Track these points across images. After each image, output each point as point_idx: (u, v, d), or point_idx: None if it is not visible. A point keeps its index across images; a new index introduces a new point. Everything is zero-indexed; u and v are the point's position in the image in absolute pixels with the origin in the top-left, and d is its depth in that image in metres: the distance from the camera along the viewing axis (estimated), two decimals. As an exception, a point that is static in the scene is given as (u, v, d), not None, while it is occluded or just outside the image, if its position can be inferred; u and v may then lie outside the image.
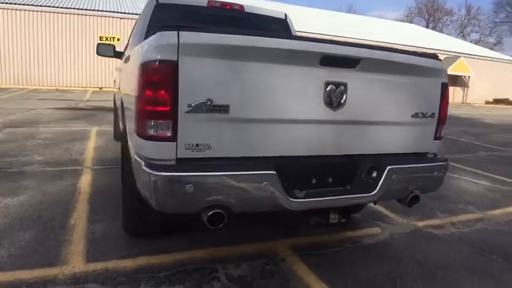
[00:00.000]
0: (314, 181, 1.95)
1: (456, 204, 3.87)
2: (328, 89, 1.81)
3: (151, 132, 1.60)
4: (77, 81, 17.85)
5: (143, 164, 1.62)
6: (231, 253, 2.48)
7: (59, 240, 2.51)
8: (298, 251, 2.56)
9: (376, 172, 2.02)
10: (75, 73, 17.83)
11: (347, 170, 2.05)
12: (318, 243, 2.72)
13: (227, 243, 2.60)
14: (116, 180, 3.87)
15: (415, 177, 2.14)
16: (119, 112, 4.24)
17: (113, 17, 18.26)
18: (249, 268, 2.31)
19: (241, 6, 3.44)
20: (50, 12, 17.30)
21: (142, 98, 1.60)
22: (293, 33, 3.72)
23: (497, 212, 3.76)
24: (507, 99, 29.32)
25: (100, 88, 17.75)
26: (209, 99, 1.59)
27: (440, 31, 49.18)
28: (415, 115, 2.13)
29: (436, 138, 2.29)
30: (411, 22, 50.40)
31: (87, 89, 17.31)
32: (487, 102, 29.27)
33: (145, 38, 3.04)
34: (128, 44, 4.29)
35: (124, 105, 2.24)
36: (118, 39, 18.44)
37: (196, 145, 1.63)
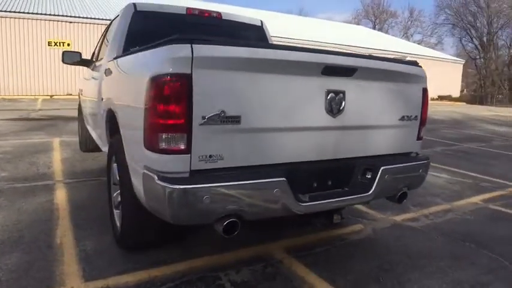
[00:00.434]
0: (315, 184, 2.04)
1: (424, 197, 4.15)
2: (328, 97, 1.91)
3: (164, 145, 1.61)
4: (25, 89, 16.78)
5: (156, 177, 1.62)
6: (229, 259, 2.50)
7: (49, 260, 2.40)
8: (293, 253, 2.64)
9: (370, 173, 2.15)
10: (23, 81, 16.75)
11: (344, 173, 2.17)
12: (309, 243, 2.82)
13: (222, 250, 2.62)
14: (93, 193, 3.76)
15: (404, 175, 2.30)
16: (90, 121, 4.10)
17: (62, 21, 17.37)
18: (251, 272, 2.35)
19: (219, 14, 3.47)
20: (-9, 16, 16.16)
21: (155, 111, 1.59)
22: (269, 39, 3.82)
23: (462, 202, 4.09)
24: (450, 96, 31.50)
25: (51, 96, 16.83)
26: (222, 111, 1.62)
27: (386, 32, 51.74)
28: (402, 118, 2.30)
29: (418, 138, 2.48)
30: (359, 24, 52.64)
31: (36, 97, 16.32)
32: (432, 99, 31.25)
33: (125, 47, 3.01)
34: (97, 51, 4.15)
35: (118, 117, 2.19)
36: (68, 45, 17.62)
37: (210, 156, 1.66)
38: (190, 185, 1.60)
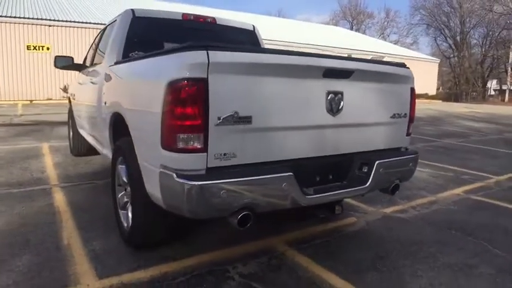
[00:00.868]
0: (318, 179, 2.20)
1: (411, 190, 4.38)
2: (329, 97, 2.07)
3: (183, 145, 1.72)
4: (3, 94, 16.39)
5: (175, 175, 1.74)
6: (234, 254, 2.63)
7: (60, 261, 2.47)
8: (294, 245, 2.79)
9: (366, 167, 2.33)
10: (2, 86, 16.36)
11: (343, 167, 2.33)
12: (309, 236, 2.98)
13: (226, 245, 2.75)
14: (91, 196, 3.81)
15: (397, 168, 2.49)
16: (86, 125, 4.15)
17: (41, 25, 17.05)
18: (257, 264, 2.49)
19: (214, 19, 3.60)
20: (-35, 20, 15.74)
21: (174, 113, 1.71)
22: (261, 42, 3.96)
23: (446, 194, 4.34)
24: (426, 94, 32.42)
25: (31, 101, 16.49)
26: (235, 112, 1.76)
27: (363, 33, 52.76)
28: (393, 116, 2.48)
29: (407, 134, 2.68)
30: (336, 25, 53.48)
31: (16, 102, 15.98)
32: (410, 97, 32.08)
33: (124, 52, 3.10)
34: (91, 56, 4.20)
35: (128, 120, 2.29)
36: (48, 48, 17.33)
37: (224, 154, 1.78)
38: (207, 181, 1.72)
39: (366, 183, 2.30)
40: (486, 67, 40.35)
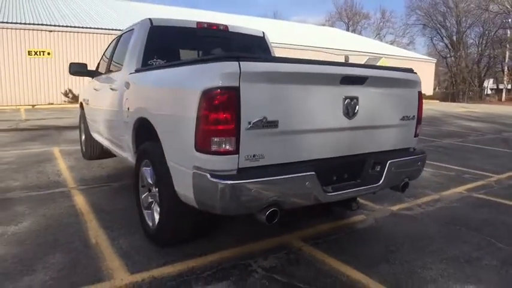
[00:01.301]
0: (334, 178, 2.37)
1: (416, 189, 4.55)
2: (345, 102, 2.25)
3: (216, 148, 1.89)
4: (6, 99, 16.50)
5: (209, 175, 1.90)
6: (254, 249, 2.79)
7: (91, 258, 2.62)
8: (309, 241, 2.95)
9: (379, 166, 2.50)
10: (4, 91, 16.47)
11: (357, 167, 2.51)
12: (322, 232, 3.15)
13: (244, 242, 2.91)
14: (110, 198, 3.97)
15: (407, 168, 2.66)
16: (102, 130, 4.30)
17: (42, 30, 17.19)
18: (276, 259, 2.65)
19: (226, 26, 3.76)
20: (-33, 26, 15.85)
21: (208, 119, 1.88)
22: (270, 48, 4.14)
23: (449, 192, 4.52)
24: (424, 94, 32.72)
25: (33, 106, 16.60)
26: (264, 117, 1.93)
27: (359, 33, 53.10)
28: (403, 118, 2.66)
29: (415, 135, 2.86)
30: (333, 26, 53.80)
31: (18, 107, 16.09)
32: (408, 97, 32.35)
33: (144, 60, 3.26)
34: (107, 63, 4.35)
35: (157, 125, 2.45)
36: (49, 54, 17.47)
37: (253, 156, 1.95)
38: (239, 180, 1.89)
39: (379, 181, 2.47)
40: (483, 66, 40.74)
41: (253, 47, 3.93)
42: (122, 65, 3.56)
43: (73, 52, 17.84)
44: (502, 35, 37.90)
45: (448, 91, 38.40)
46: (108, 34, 18.61)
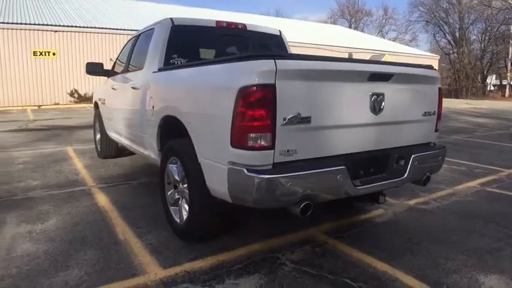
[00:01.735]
0: (361, 172, 2.43)
1: (430, 184, 4.53)
2: (372, 99, 2.31)
3: (253, 143, 1.95)
4: (11, 100, 16.58)
5: (246, 170, 1.96)
6: (281, 243, 2.86)
7: (123, 254, 2.69)
8: (332, 235, 3.02)
9: (403, 160, 2.56)
10: (9, 91, 16.56)
11: (382, 161, 2.57)
12: (344, 226, 3.21)
13: (269, 236, 2.97)
14: (131, 196, 4.04)
15: (429, 162, 2.72)
16: (121, 128, 4.36)
17: (47, 30, 17.25)
18: (303, 252, 2.72)
19: (244, 25, 3.82)
20: (-27, 27, 15.93)
21: (245, 115, 1.94)
22: (287, 46, 4.19)
23: (462, 187, 4.58)
24: (427, 90, 32.71)
25: (39, 106, 16.69)
26: (298, 113, 1.99)
27: (362, 31, 53.01)
28: (425, 114, 2.72)
29: (436, 130, 2.92)
30: (335, 23, 53.74)
31: (24, 108, 16.18)
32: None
33: (166, 60, 3.32)
34: (125, 62, 4.41)
35: (188, 123, 2.51)
36: (54, 54, 17.53)
37: (287, 151, 2.02)
38: (275, 175, 1.95)
39: (404, 175, 2.54)
40: (485, 62, 40.64)
41: (271, 45, 3.99)
42: (143, 64, 3.62)
43: (78, 52, 17.91)
44: (504, 31, 37.79)
45: (451, 87, 38.36)
46: (113, 34, 18.68)
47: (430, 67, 2.80)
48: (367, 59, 20.52)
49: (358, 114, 2.28)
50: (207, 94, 2.35)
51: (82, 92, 17.98)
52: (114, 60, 5.13)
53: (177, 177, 2.84)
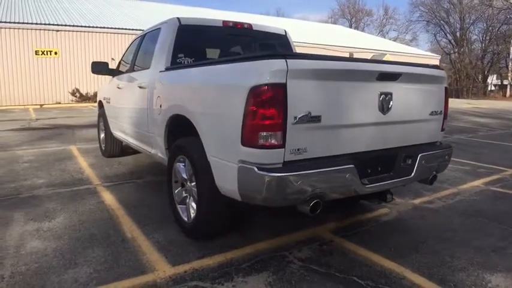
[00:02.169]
0: (369, 170, 2.45)
1: (435, 183, 4.60)
2: (381, 98, 2.33)
3: (263, 142, 1.97)
4: (14, 99, 16.61)
5: (256, 169, 1.98)
6: (288, 241, 2.87)
7: (131, 251, 2.70)
8: (339, 233, 3.04)
9: (410, 159, 2.58)
10: (11, 90, 16.59)
11: (390, 160, 2.59)
12: (350, 225, 3.23)
13: (276, 234, 2.99)
14: (136, 194, 4.05)
15: (435, 161, 2.74)
16: (126, 127, 4.38)
17: (48, 30, 17.27)
18: (310, 250, 2.73)
19: (250, 25, 3.83)
20: (-25, 26, 15.95)
21: (256, 114, 1.95)
22: (292, 45, 4.21)
23: (466, 186, 4.59)
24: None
25: (41, 105, 16.71)
26: (309, 112, 2.01)
27: (362, 30, 52.98)
28: (431, 113, 2.74)
29: (442, 129, 2.93)
30: (335, 23, 53.71)
31: (26, 106, 16.20)
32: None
33: (173, 59, 3.33)
34: (131, 61, 4.43)
35: (197, 122, 2.53)
36: (56, 53, 17.56)
37: (298, 149, 2.03)
38: (285, 173, 1.97)
39: (411, 174, 2.55)
40: (486, 62, 40.63)
41: (276, 45, 4.00)
42: (149, 64, 3.63)
43: (80, 52, 17.94)
44: (505, 31, 37.79)
45: (452, 87, 38.31)
46: (115, 34, 18.71)
47: (436, 67, 2.82)
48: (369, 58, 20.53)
49: (366, 113, 2.30)
50: (218, 93, 2.36)
51: (84, 92, 18.01)
52: (117, 59, 5.15)
53: (184, 176, 2.85)
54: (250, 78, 2.00)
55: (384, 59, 28.17)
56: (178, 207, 3.00)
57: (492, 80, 43.64)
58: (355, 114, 2.24)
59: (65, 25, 17.80)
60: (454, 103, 24.51)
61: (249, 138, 2.01)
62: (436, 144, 2.93)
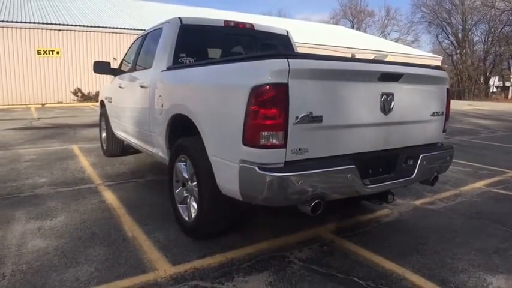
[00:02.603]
0: (370, 171, 2.45)
1: (436, 184, 4.60)
2: (382, 98, 2.33)
3: (265, 141, 1.97)
4: (16, 98, 16.66)
5: (257, 168, 1.98)
6: (289, 242, 2.87)
7: (132, 250, 2.71)
8: (340, 234, 3.03)
9: (412, 160, 2.58)
10: (13, 90, 16.64)
11: (391, 160, 2.59)
12: (351, 226, 3.23)
13: (277, 235, 2.98)
14: (137, 194, 4.05)
15: (437, 162, 2.74)
16: (128, 127, 4.39)
17: (50, 29, 17.31)
18: (311, 251, 2.73)
19: (252, 25, 3.84)
20: (-22, 26, 16.00)
21: (258, 114, 1.95)
22: (294, 45, 4.21)
23: (468, 187, 4.58)
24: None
25: (42, 105, 16.75)
26: (310, 112, 2.01)
27: (364, 31, 52.95)
28: (433, 114, 2.74)
29: (443, 131, 2.93)
30: (337, 24, 53.70)
31: (28, 106, 16.24)
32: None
33: (174, 59, 3.34)
34: (133, 61, 4.43)
35: (198, 121, 2.53)
36: (58, 53, 17.60)
37: (299, 149, 2.03)
38: (287, 173, 1.97)
39: (412, 174, 2.55)
40: (488, 64, 40.53)
41: (278, 45, 4.00)
42: (151, 63, 3.64)
43: (82, 51, 17.98)
44: (508, 33, 37.66)
45: (454, 89, 38.25)
46: (117, 33, 18.74)
47: (438, 67, 2.82)
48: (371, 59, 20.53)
49: (368, 114, 2.30)
50: (219, 93, 2.36)
51: (85, 91, 18.05)
52: (118, 59, 5.16)
53: (185, 175, 2.86)
54: (252, 78, 2.01)
55: (386, 59, 28.18)
56: (179, 206, 3.00)
57: (494, 81, 43.52)
58: (356, 115, 2.24)
59: (67, 25, 17.85)
60: (456, 105, 24.46)
61: (250, 138, 2.01)
62: (437, 145, 2.93)
